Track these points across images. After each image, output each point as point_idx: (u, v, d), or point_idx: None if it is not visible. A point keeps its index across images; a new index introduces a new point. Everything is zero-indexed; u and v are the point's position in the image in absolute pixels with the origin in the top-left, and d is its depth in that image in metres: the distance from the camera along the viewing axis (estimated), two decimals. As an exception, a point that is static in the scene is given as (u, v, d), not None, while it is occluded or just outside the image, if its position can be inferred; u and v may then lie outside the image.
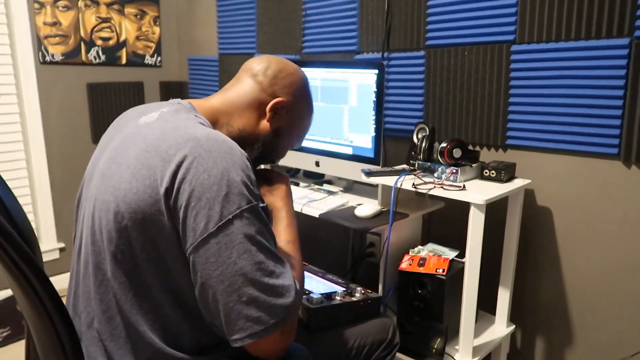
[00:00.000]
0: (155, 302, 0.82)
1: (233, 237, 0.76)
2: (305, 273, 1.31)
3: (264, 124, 1.01)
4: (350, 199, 1.75)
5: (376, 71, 1.65)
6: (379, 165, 1.69)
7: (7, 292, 2.37)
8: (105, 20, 2.63)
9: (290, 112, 1.03)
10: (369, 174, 1.57)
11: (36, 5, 2.37)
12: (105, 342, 0.83)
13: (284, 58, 1.06)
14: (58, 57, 2.48)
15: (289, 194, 1.06)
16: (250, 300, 0.76)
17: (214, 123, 0.96)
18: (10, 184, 0.95)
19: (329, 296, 1.13)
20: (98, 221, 0.83)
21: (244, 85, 1.01)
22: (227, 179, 0.77)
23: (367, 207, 1.56)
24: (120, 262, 0.81)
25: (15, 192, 0.95)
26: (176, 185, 0.76)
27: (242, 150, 0.83)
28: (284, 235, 0.98)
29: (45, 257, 2.51)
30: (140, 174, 0.79)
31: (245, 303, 0.76)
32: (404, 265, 1.46)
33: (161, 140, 0.81)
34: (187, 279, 0.80)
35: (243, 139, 0.98)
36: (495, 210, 1.53)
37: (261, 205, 0.81)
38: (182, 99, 0.99)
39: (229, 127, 0.98)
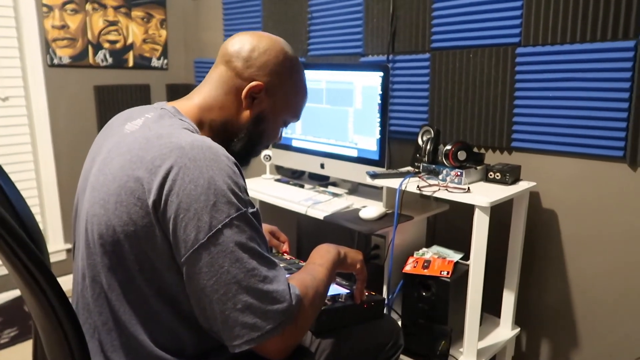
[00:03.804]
0: (153, 312, 0.82)
1: (224, 247, 0.75)
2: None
3: (244, 112, 0.97)
4: (355, 201, 1.75)
5: (381, 73, 1.66)
6: (383, 167, 1.70)
7: (15, 293, 2.40)
8: (113, 23, 2.65)
9: (271, 93, 0.98)
10: (373, 176, 1.57)
11: (44, 9, 2.40)
12: (107, 353, 0.84)
13: (261, 33, 1.00)
14: (66, 60, 2.50)
15: (353, 260, 1.06)
16: (245, 307, 0.76)
17: (199, 123, 0.94)
18: (18, 185, 0.96)
19: (332, 298, 1.13)
20: (91, 234, 0.83)
21: (220, 73, 0.97)
22: (214, 188, 0.76)
23: (371, 210, 1.56)
24: (115, 274, 0.81)
25: (23, 194, 0.96)
26: (164, 198, 0.76)
27: (228, 155, 0.82)
28: (319, 260, 0.97)
29: (52, 258, 2.53)
30: (127, 186, 0.79)
31: (241, 310, 0.76)
32: (408, 267, 1.46)
33: (145, 150, 0.80)
34: (183, 287, 0.80)
35: (227, 132, 0.97)
36: (500, 213, 1.53)
37: (250, 211, 0.80)
38: (167, 101, 0.98)
39: (212, 122, 0.95)
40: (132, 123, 0.90)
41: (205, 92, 0.97)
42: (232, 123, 0.97)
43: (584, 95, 1.44)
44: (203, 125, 0.95)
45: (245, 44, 0.97)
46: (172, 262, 0.79)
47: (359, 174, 1.75)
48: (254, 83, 0.95)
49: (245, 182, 0.83)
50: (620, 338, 1.49)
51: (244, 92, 0.95)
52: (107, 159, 0.85)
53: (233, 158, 0.83)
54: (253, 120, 0.98)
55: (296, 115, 1.07)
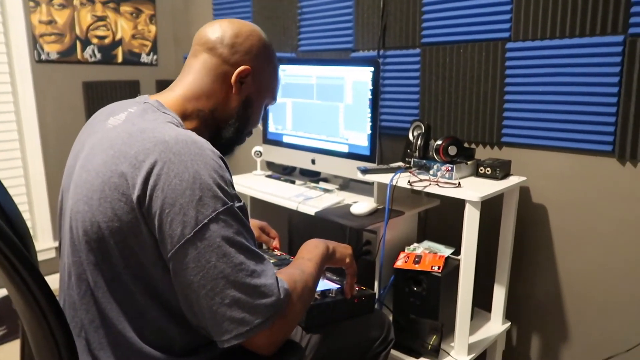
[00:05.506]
0: (140, 308, 0.81)
1: (211, 241, 0.75)
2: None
3: (234, 97, 0.97)
4: (346, 197, 1.75)
5: (372, 69, 1.65)
6: (374, 163, 1.70)
7: (3, 292, 2.37)
8: (101, 18, 2.62)
9: (256, 76, 0.99)
10: (364, 171, 1.57)
11: (31, 4, 2.36)
12: (94, 351, 0.83)
13: (237, 19, 1.00)
14: (54, 56, 2.47)
15: (340, 253, 1.06)
16: (233, 302, 0.75)
17: (184, 114, 0.93)
18: (5, 182, 0.95)
19: (323, 294, 1.13)
20: (75, 232, 0.82)
21: (203, 61, 0.96)
22: (199, 182, 0.75)
23: (363, 205, 1.56)
24: (100, 271, 0.80)
25: (11, 191, 0.95)
26: (148, 193, 0.75)
27: (213, 149, 0.81)
28: (307, 254, 0.98)
29: (41, 256, 2.50)
30: (111, 181, 0.78)
31: (228, 305, 0.75)
32: (399, 262, 1.47)
33: (129, 145, 0.79)
34: (169, 283, 0.79)
35: (217, 120, 0.96)
36: (491, 208, 1.54)
37: (237, 205, 0.79)
38: (150, 94, 0.97)
39: (199, 112, 0.94)
40: (114, 118, 0.89)
41: (189, 83, 0.96)
42: (220, 110, 0.97)
43: (573, 90, 1.45)
44: (190, 116, 0.94)
45: (227, 30, 0.96)
46: (158, 258, 0.78)
47: (350, 169, 1.75)
48: (242, 67, 0.95)
49: (231, 176, 0.83)
50: (609, 331, 1.50)
51: (233, 77, 0.95)
52: (90, 155, 0.84)
53: (218, 152, 0.82)
54: (242, 105, 0.98)
55: (275, 97, 1.09)
